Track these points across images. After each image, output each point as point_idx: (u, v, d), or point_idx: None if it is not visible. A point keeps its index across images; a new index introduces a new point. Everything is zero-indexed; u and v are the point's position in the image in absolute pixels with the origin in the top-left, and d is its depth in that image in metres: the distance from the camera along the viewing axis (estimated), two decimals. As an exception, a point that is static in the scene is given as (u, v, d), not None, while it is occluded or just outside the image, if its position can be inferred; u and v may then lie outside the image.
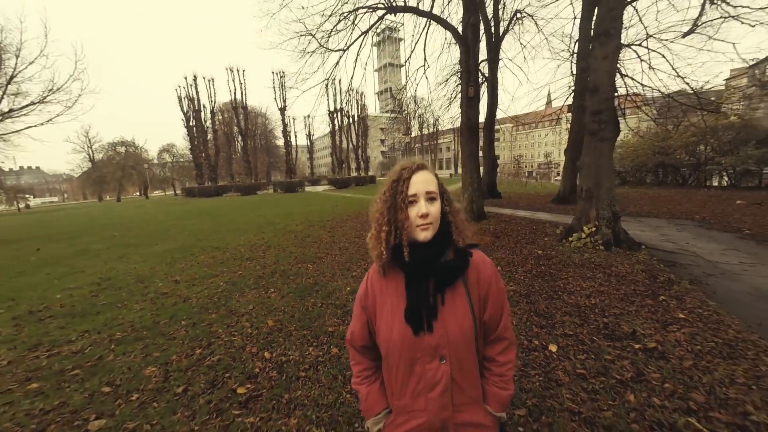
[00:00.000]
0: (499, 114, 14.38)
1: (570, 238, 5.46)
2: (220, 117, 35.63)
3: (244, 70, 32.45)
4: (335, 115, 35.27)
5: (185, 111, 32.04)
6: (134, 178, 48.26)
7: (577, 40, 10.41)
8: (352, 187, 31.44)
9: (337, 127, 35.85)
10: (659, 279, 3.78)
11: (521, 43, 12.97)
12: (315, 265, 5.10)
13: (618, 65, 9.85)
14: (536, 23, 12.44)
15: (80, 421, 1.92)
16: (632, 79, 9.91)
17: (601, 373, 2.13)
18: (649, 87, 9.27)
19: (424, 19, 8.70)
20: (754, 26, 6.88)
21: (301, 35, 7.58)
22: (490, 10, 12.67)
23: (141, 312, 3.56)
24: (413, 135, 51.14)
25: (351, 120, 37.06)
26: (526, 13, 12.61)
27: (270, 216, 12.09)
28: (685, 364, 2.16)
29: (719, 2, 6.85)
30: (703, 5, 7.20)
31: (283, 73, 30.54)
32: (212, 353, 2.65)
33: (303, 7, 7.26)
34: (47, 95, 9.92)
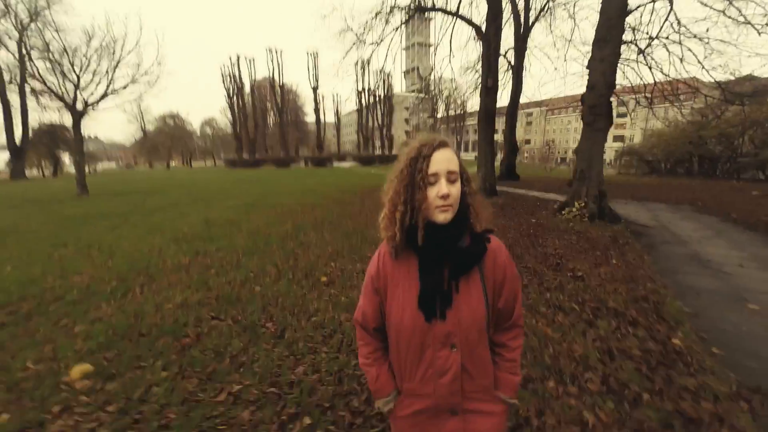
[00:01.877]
0: (524, 99, 14.75)
1: (564, 212, 6.59)
2: (256, 94, 37.63)
3: (281, 51, 33.77)
4: (362, 94, 36.05)
5: (227, 87, 34.31)
6: (180, 148, 52.73)
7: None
8: (376, 164, 32.82)
9: (364, 106, 36.73)
10: (619, 241, 4.94)
11: (551, 32, 13.01)
12: (352, 220, 6.68)
13: (647, 56, 10.03)
14: (569, 12, 12.37)
15: (247, 288, 3.59)
16: (661, 71, 9.98)
17: (538, 284, 3.50)
18: (671, 79, 9.45)
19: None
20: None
21: (343, 32, 8.90)
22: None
23: (244, 240, 5.34)
24: (439, 116, 50.46)
25: (377, 99, 37.67)
26: (558, 1, 12.58)
27: (309, 185, 13.98)
28: (593, 283, 3.47)
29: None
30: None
31: (317, 53, 31.54)
32: (299, 263, 4.32)
33: (352, 16, 8.54)
34: (138, 77, 12.21)
